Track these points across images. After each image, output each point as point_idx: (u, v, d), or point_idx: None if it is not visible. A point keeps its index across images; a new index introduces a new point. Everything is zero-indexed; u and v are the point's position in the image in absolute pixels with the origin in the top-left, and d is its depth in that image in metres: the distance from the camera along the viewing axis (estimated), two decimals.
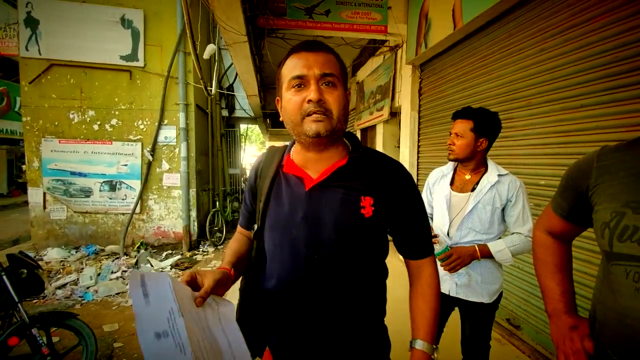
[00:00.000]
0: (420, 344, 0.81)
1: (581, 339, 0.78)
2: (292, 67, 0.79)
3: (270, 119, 9.70)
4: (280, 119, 0.86)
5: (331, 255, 0.79)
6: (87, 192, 5.09)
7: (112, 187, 5.15)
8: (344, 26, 3.92)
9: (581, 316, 0.85)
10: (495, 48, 2.76)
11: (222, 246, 5.55)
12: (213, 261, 4.79)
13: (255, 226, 0.91)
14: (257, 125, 10.80)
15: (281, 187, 0.86)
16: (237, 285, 0.94)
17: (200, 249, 5.33)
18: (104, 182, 5.12)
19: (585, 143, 1.99)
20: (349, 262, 0.81)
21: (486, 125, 1.54)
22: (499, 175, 1.54)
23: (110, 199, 5.15)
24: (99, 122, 5.09)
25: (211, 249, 5.35)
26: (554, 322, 0.87)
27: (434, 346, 0.82)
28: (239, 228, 1.03)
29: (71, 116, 5.03)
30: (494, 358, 1.75)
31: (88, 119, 5.07)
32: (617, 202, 0.69)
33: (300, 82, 0.77)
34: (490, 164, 1.59)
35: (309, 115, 0.76)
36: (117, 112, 5.13)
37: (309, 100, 0.76)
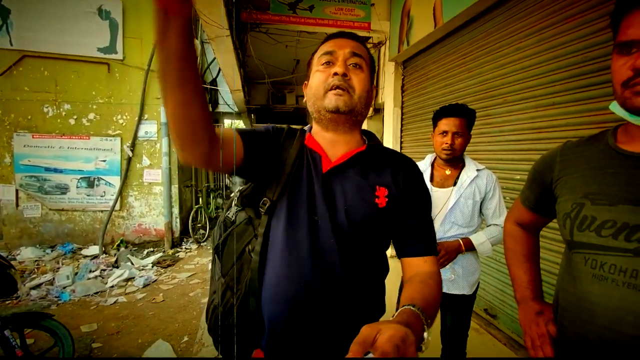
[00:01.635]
0: (414, 308, 0.63)
1: (546, 324, 0.83)
2: (324, 48, 0.82)
3: (255, 114, 9.61)
4: (304, 100, 0.87)
5: (344, 241, 0.76)
6: (63, 189, 4.92)
7: (90, 184, 4.99)
8: (327, 22, 3.91)
9: (547, 302, 0.90)
10: (474, 46, 2.83)
11: (205, 243, 5.49)
12: (197, 258, 4.73)
13: (268, 201, 0.79)
14: (241, 121, 10.67)
15: (304, 164, 0.82)
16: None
17: (183, 246, 5.25)
18: (81, 178, 4.95)
19: (556, 139, 2.07)
20: (357, 253, 0.78)
21: (473, 122, 1.59)
22: (477, 170, 1.59)
23: (88, 195, 4.99)
24: (75, 117, 4.91)
25: (194, 246, 5.28)
26: (522, 309, 0.91)
27: (429, 321, 0.62)
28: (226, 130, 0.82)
29: (45, 110, 4.83)
30: (472, 347, 1.81)
31: (64, 113, 4.88)
32: (577, 194, 0.73)
33: (329, 59, 0.79)
34: (467, 159, 1.64)
35: (332, 89, 0.77)
36: (94, 106, 4.96)
37: (335, 74, 0.77)
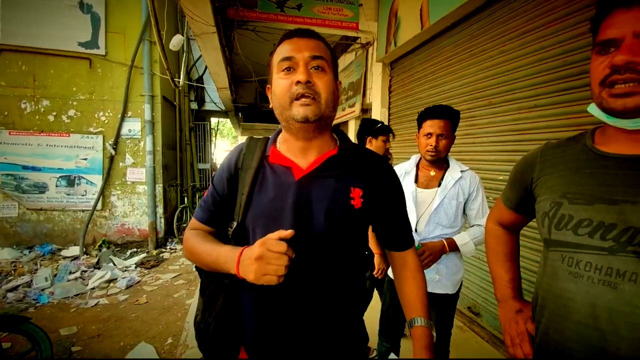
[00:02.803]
0: (420, 321, 0.84)
1: (525, 322, 0.85)
2: (282, 52, 0.79)
3: (242, 112, 9.52)
4: (270, 106, 0.85)
5: (320, 247, 0.79)
6: (41, 188, 4.75)
7: (70, 183, 4.84)
8: (315, 21, 3.91)
9: (526, 300, 0.92)
10: (460, 49, 2.87)
11: None
12: (181, 259, 4.65)
13: (235, 223, 0.83)
14: (228, 119, 10.54)
15: (266, 178, 0.83)
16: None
17: (168, 247, 5.16)
18: (60, 177, 4.80)
19: (537, 141, 2.12)
20: (336, 254, 0.81)
21: (457, 123, 1.61)
22: (461, 171, 1.61)
23: (68, 194, 4.84)
24: (54, 113, 4.75)
25: (179, 246, 5.19)
26: (502, 307, 0.93)
27: (431, 322, 0.86)
28: (195, 223, 0.90)
29: (23, 106, 4.65)
30: (456, 344, 1.84)
31: (42, 109, 4.71)
32: (555, 194, 0.74)
33: (289, 65, 0.77)
34: (452, 160, 1.66)
35: (297, 99, 0.76)
36: (75, 103, 4.81)
37: (298, 82, 0.75)
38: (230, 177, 0.87)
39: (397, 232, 0.91)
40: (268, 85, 0.86)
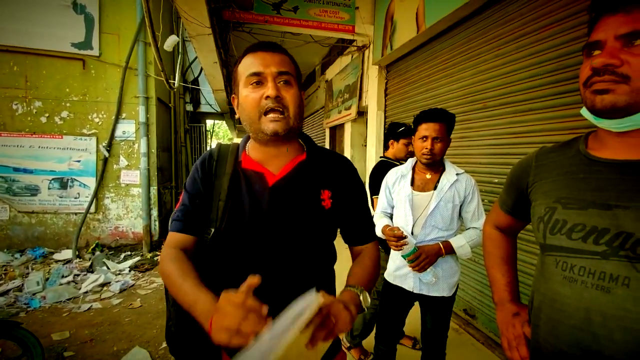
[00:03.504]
0: (349, 288, 0.82)
1: (522, 325, 0.85)
2: (249, 65, 0.81)
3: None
4: (237, 116, 0.87)
5: (294, 247, 0.83)
6: (33, 190, 4.68)
7: (63, 185, 4.77)
8: (312, 24, 3.91)
9: (523, 304, 0.92)
10: (456, 52, 2.89)
11: None
12: None
13: (212, 230, 0.83)
14: (224, 122, 10.52)
15: (241, 185, 0.85)
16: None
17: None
18: (53, 179, 4.73)
19: (533, 144, 2.14)
20: (308, 253, 0.86)
21: (453, 126, 1.61)
22: (457, 174, 1.62)
23: (61, 197, 4.77)
24: (47, 114, 4.69)
25: None
26: (500, 310, 0.93)
27: (361, 287, 0.82)
28: (173, 238, 0.85)
29: (14, 107, 4.58)
30: (452, 346, 1.84)
31: (34, 111, 4.65)
32: (550, 198, 0.75)
33: (258, 79, 0.79)
34: (447, 163, 1.67)
35: (266, 113, 0.78)
36: (68, 104, 4.75)
37: (267, 97, 0.78)
38: (202, 185, 0.86)
39: (360, 228, 0.96)
40: (233, 95, 0.88)
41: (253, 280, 0.63)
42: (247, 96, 0.80)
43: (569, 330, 0.69)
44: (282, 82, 0.80)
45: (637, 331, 0.60)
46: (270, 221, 0.82)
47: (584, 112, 0.71)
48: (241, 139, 0.95)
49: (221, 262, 0.86)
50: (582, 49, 0.69)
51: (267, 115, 0.79)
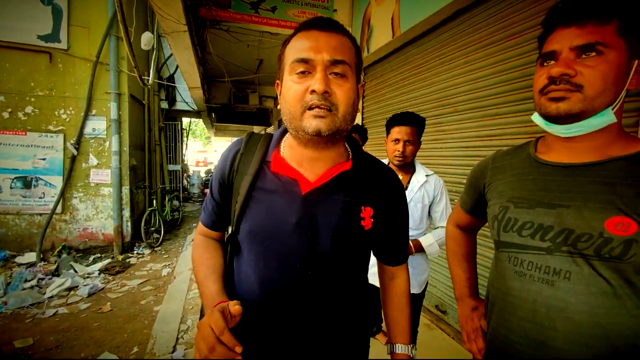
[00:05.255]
0: (399, 348, 0.87)
1: (479, 319, 0.91)
2: (298, 48, 0.67)
3: (215, 113, 9.34)
4: (278, 106, 0.75)
5: (326, 270, 0.73)
6: None
7: (27, 184, 4.53)
8: (290, 24, 3.91)
9: (481, 298, 0.98)
10: (429, 57, 2.99)
11: (159, 248, 5.21)
12: (149, 264, 4.48)
13: (230, 229, 0.78)
14: (201, 120, 10.29)
15: (266, 188, 0.74)
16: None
17: (135, 251, 4.94)
18: (15, 178, 4.48)
19: (498, 147, 2.24)
20: (343, 277, 0.76)
21: (423, 129, 1.67)
22: (426, 175, 1.68)
23: (24, 197, 4.53)
24: (9, 110, 4.43)
25: (147, 251, 4.99)
26: (460, 305, 0.99)
27: (411, 345, 0.88)
28: (202, 228, 0.86)
29: None
30: (423, 342, 1.91)
31: None
32: (503, 198, 0.81)
33: (305, 68, 0.66)
34: (418, 165, 1.73)
35: (310, 109, 0.66)
36: (33, 99, 4.51)
37: (313, 91, 0.65)
38: (223, 181, 0.79)
39: (395, 249, 0.87)
40: (278, 81, 0.75)
41: (235, 310, 0.61)
42: (291, 87, 0.67)
43: (518, 322, 0.74)
44: (334, 74, 0.66)
45: (577, 322, 0.65)
46: (295, 236, 0.70)
47: (535, 117, 0.76)
48: (275, 131, 0.82)
49: (239, 261, 0.80)
50: (537, 59, 0.75)
51: (311, 110, 0.65)
